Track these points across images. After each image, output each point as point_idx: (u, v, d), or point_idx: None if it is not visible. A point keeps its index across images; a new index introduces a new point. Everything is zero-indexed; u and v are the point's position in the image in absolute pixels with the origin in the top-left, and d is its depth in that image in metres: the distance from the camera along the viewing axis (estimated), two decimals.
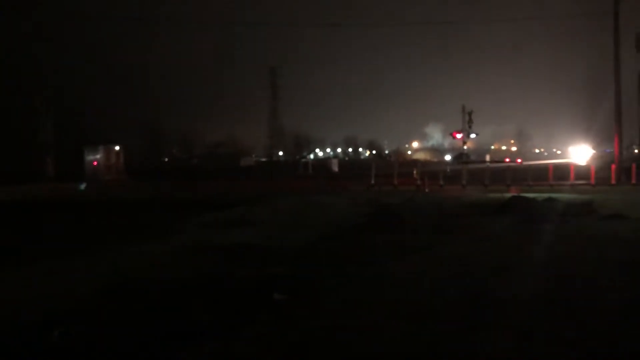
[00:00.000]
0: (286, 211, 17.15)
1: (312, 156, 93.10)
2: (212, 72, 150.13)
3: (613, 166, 29.66)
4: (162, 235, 12.57)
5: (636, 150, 54.60)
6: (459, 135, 31.29)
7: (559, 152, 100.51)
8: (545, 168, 31.43)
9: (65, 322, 6.14)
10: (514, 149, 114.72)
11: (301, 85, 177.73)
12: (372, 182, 28.46)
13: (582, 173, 30.20)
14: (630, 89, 38.95)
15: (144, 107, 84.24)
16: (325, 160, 75.77)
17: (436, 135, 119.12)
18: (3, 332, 5.96)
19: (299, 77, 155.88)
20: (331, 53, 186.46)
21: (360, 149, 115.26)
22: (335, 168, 57.37)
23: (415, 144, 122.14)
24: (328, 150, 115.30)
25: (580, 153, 49.84)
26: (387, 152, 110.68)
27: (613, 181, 27.96)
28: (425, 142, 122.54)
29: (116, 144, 42.22)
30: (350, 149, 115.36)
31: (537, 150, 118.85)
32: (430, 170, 33.20)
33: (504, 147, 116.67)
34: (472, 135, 31.39)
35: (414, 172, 29.66)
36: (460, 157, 36.32)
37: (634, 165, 28.98)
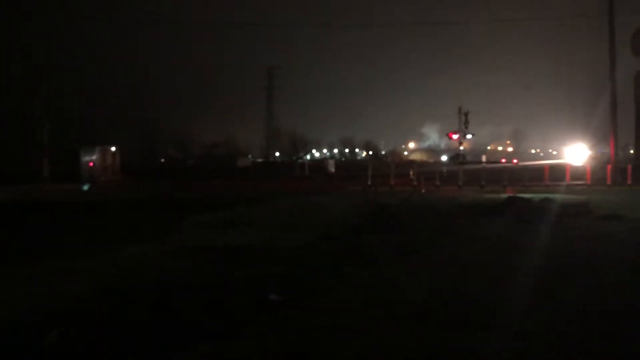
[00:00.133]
0: (284, 212, 17.16)
1: (308, 157, 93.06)
2: (209, 73, 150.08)
3: (609, 167, 29.78)
4: (161, 235, 12.59)
5: (632, 151, 54.73)
6: (455, 136, 31.30)
7: (554, 152, 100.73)
8: (541, 169, 31.56)
9: (65, 322, 6.17)
10: (510, 149, 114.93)
11: (298, 85, 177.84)
12: (369, 182, 28.49)
13: (578, 173, 30.33)
14: (627, 89, 39.07)
15: (141, 108, 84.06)
16: (322, 161, 75.71)
17: (433, 136, 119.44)
18: (3, 332, 5.98)
19: (295, 78, 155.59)
20: (328, 54, 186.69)
21: (357, 150, 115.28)
22: (332, 169, 57.31)
23: (411, 145, 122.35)
24: (325, 151, 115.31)
25: (575, 153, 49.91)
26: (383, 152, 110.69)
27: (609, 182, 28.07)
28: (421, 143, 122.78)
29: (112, 145, 42.13)
30: (346, 150, 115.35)
31: (533, 151, 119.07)
32: (427, 171, 33.28)
33: (500, 148, 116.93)
34: (469, 136, 31.39)
35: (411, 172, 29.71)
36: (457, 157, 36.31)
37: (629, 166, 29.10)
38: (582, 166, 35.08)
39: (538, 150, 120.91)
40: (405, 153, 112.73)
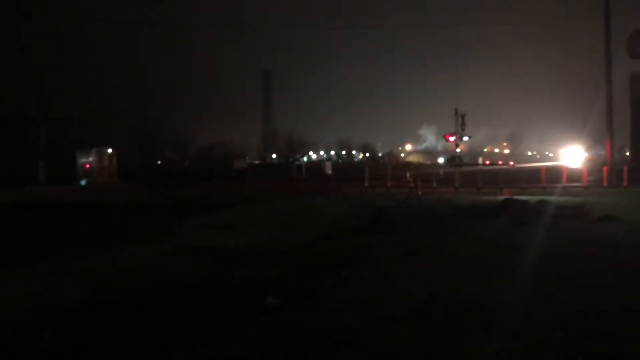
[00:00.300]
0: (281, 213, 17.18)
1: (305, 159, 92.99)
2: (205, 75, 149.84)
3: (605, 169, 29.87)
4: (160, 236, 12.61)
5: (628, 153, 54.92)
6: (452, 138, 31.39)
7: (551, 154, 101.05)
8: (537, 171, 31.63)
9: (65, 322, 6.18)
10: (506, 151, 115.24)
11: (294, 87, 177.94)
12: (366, 184, 28.52)
13: (574, 175, 30.42)
14: (623, 91, 39.20)
15: (138, 110, 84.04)
16: (319, 163, 75.73)
17: (429, 138, 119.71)
18: (3, 332, 5.99)
19: (292, 80, 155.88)
20: (325, 56, 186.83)
21: (354, 152, 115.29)
22: (329, 171, 57.34)
23: (408, 147, 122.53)
24: (321, 152, 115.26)
25: (572, 155, 50.09)
26: (380, 154, 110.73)
27: (605, 184, 28.14)
28: (418, 145, 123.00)
29: (109, 147, 42.04)
30: (343, 152, 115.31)
31: (529, 153, 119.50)
32: (424, 173, 33.29)
33: (496, 150, 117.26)
34: (465, 138, 31.48)
35: (407, 174, 29.75)
36: (453, 159, 36.40)
37: (625, 168, 29.18)
38: (578, 168, 35.20)
39: (534, 153, 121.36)
40: (402, 155, 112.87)
